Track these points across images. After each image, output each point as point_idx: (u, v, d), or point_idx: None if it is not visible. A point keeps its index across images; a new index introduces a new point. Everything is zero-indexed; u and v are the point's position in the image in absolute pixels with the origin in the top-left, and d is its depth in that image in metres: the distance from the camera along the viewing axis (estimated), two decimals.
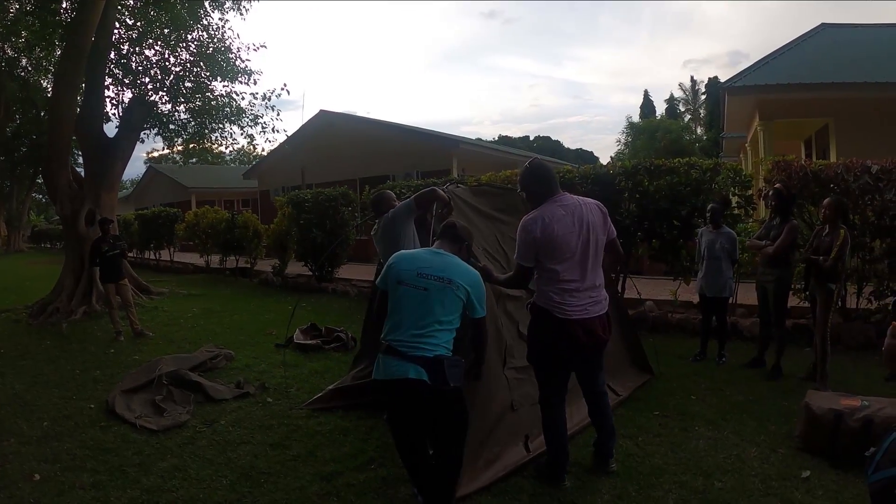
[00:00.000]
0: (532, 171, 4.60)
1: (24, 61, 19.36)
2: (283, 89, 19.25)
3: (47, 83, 19.13)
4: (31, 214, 57.89)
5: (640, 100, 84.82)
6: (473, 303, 3.87)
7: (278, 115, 21.43)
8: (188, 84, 17.13)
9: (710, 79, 68.63)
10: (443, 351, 3.76)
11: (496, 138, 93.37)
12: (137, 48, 17.07)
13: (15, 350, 10.12)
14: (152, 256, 26.64)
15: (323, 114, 28.67)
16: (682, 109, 76.42)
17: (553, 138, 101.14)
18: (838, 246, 6.37)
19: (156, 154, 27.44)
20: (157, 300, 15.81)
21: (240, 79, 17.51)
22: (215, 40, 17.21)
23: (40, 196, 49.17)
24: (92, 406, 7.06)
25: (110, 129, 16.59)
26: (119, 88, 17.45)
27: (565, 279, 4.35)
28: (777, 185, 7.51)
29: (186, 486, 4.95)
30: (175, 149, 19.69)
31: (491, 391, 4.96)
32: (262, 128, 18.40)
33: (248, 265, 20.45)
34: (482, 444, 4.78)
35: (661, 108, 79.98)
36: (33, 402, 7.28)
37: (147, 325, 11.85)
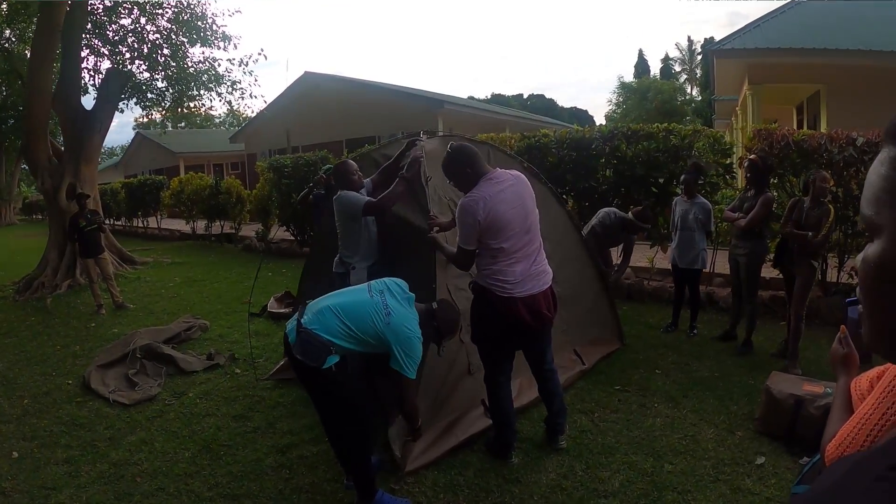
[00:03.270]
0: (457, 155, 4.44)
1: (7, 32, 19.21)
2: (259, 54, 19.09)
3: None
4: (22, 186, 57.43)
5: (635, 58, 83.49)
6: (394, 352, 3.87)
7: (256, 80, 21.31)
8: (165, 52, 16.90)
9: (706, 39, 67.35)
10: (321, 332, 3.84)
11: (489, 96, 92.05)
12: (113, 16, 16.88)
13: (0, 328, 10.24)
14: (140, 224, 26.69)
15: (308, 75, 28.35)
16: (678, 70, 75.18)
17: (547, 96, 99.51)
18: (829, 224, 6.20)
19: (144, 120, 27.26)
20: (140, 270, 15.85)
21: (218, 44, 17.40)
22: (191, 6, 17.04)
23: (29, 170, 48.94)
24: (70, 382, 7.25)
25: (88, 101, 16.54)
26: (97, 59, 17.25)
27: (510, 256, 4.29)
28: (751, 157, 7.26)
29: (151, 460, 5.18)
30: (152, 116, 19.58)
31: (446, 357, 4.93)
32: (241, 94, 18.35)
33: (233, 231, 20.47)
34: (437, 415, 4.86)
35: (656, 68, 79.18)
36: (15, 380, 7.46)
37: (129, 296, 11.98)
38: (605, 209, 8.16)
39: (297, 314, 4.04)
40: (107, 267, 11.44)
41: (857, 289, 0.96)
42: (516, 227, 4.31)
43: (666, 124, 10.23)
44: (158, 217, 26.14)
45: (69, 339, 9.26)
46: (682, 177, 7.93)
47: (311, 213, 9.64)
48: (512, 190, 4.35)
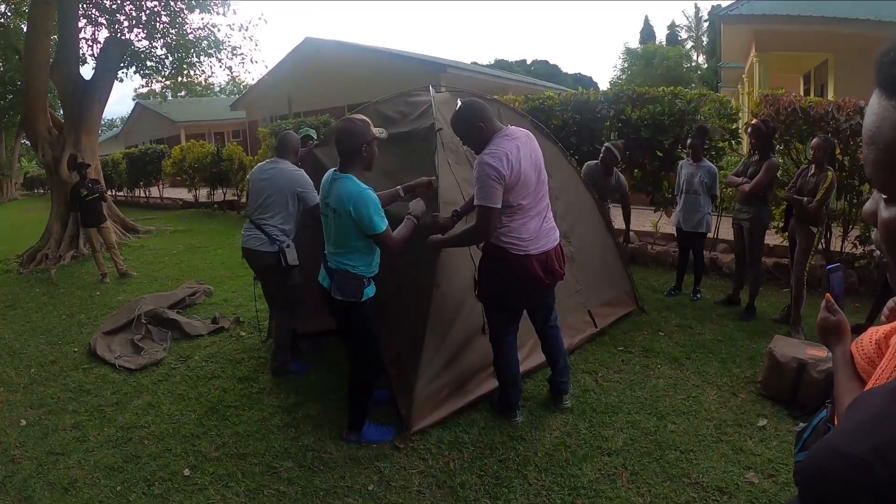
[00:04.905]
0: (469, 110, 4.27)
1: (2, 7, 19.05)
2: (260, 18, 18.95)
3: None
4: (23, 161, 57.40)
5: (640, 25, 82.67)
6: (360, 223, 4.08)
7: (256, 45, 21.26)
8: (164, 18, 16.68)
9: (713, 6, 66.29)
10: (342, 266, 4.22)
11: (492, 62, 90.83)
12: None
13: (5, 300, 10.24)
14: (142, 194, 26.68)
15: (308, 41, 28.15)
16: (684, 37, 73.99)
17: (551, 62, 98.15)
18: (824, 189, 6.13)
19: (144, 90, 27.14)
20: (143, 238, 15.88)
21: (217, 10, 17.21)
22: None
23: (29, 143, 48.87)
24: (76, 350, 7.29)
25: (87, 72, 16.42)
26: (94, 28, 16.99)
27: (525, 213, 4.22)
28: (755, 122, 7.13)
29: (158, 422, 5.22)
30: (154, 85, 19.43)
31: (457, 313, 4.94)
32: (241, 60, 18.20)
33: (236, 198, 20.37)
34: (447, 371, 4.82)
35: (662, 35, 78.20)
36: (21, 350, 7.48)
37: (132, 264, 12.05)
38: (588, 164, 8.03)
39: (322, 265, 4.40)
40: (109, 236, 11.48)
41: (878, 242, 0.99)
42: (533, 183, 4.24)
43: (672, 88, 10.09)
44: (160, 186, 26.10)
45: (74, 309, 9.29)
46: (689, 140, 7.83)
47: None
48: (527, 146, 4.25)
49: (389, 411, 4.92)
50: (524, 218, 4.23)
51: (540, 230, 4.32)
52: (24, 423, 5.42)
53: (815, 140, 6.42)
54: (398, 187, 4.83)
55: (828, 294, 1.99)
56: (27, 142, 50.38)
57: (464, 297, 4.98)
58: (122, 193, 28.02)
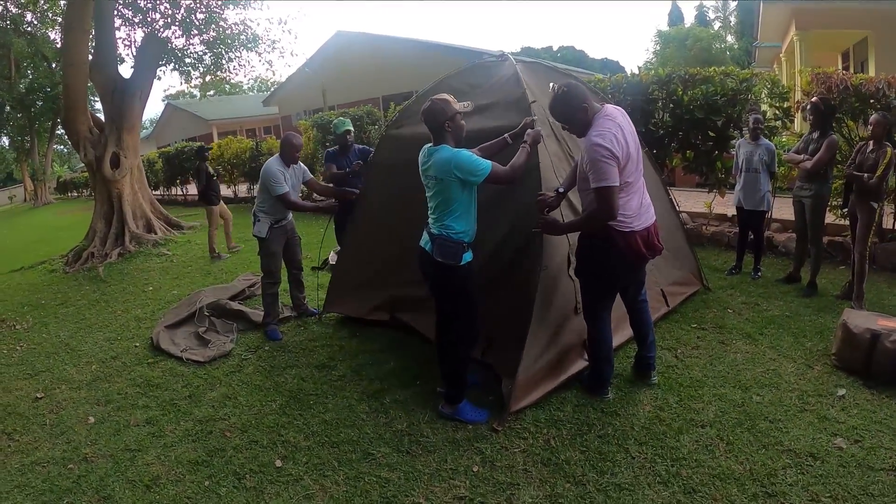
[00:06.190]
0: (572, 93, 4.27)
1: (28, 16, 19.13)
2: (299, 12, 18.97)
3: (55, 34, 18.93)
4: (55, 166, 58.08)
5: (667, 8, 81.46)
6: (464, 178, 4.26)
7: (296, 38, 21.33)
8: (200, 15, 16.69)
9: None
10: (443, 231, 4.37)
11: (519, 50, 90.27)
12: None
13: (55, 299, 10.26)
14: (179, 192, 26.76)
15: (340, 34, 28.22)
16: (712, 17, 73.18)
17: (577, 48, 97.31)
18: (885, 164, 6.15)
19: (172, 90, 27.36)
20: (188, 234, 16.05)
21: (252, 5, 17.09)
22: None
23: (62, 147, 49.54)
24: (137, 345, 7.24)
25: (126, 71, 16.42)
26: (130, 28, 17.08)
27: (629, 191, 4.25)
28: (814, 99, 7.11)
29: (238, 413, 5.15)
30: (191, 83, 19.49)
31: (555, 293, 4.92)
32: (280, 53, 18.18)
33: None
34: (542, 355, 4.79)
35: (689, 16, 77.08)
36: (79, 347, 7.45)
37: (182, 259, 12.34)
38: None
39: (425, 231, 4.57)
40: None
41: None
42: (635, 160, 4.28)
43: (723, 68, 9.98)
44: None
45: (128, 304, 9.28)
46: (753, 117, 7.82)
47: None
48: (626, 123, 4.30)
49: (480, 395, 4.90)
50: (628, 195, 4.25)
51: (641, 206, 4.36)
52: (92, 420, 5.34)
53: (874, 116, 6.46)
54: (505, 135, 4.89)
55: None
56: (59, 147, 51.32)
57: (559, 277, 4.98)
58: (158, 192, 28.01)
